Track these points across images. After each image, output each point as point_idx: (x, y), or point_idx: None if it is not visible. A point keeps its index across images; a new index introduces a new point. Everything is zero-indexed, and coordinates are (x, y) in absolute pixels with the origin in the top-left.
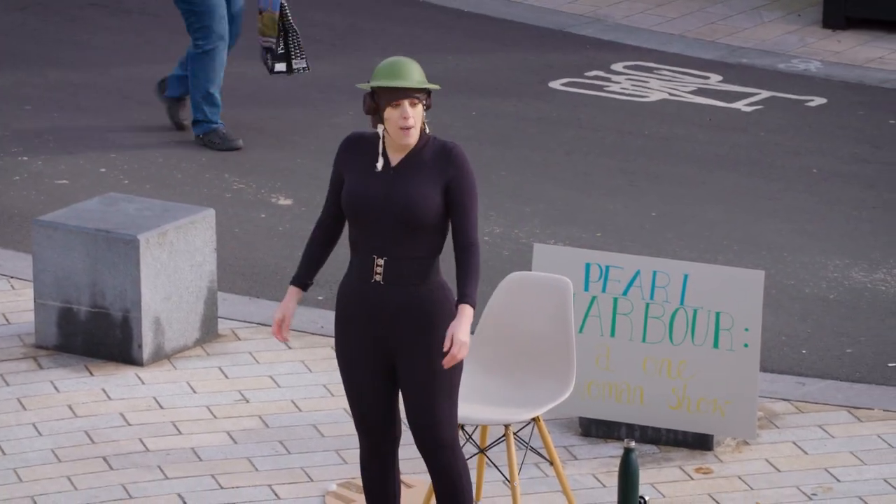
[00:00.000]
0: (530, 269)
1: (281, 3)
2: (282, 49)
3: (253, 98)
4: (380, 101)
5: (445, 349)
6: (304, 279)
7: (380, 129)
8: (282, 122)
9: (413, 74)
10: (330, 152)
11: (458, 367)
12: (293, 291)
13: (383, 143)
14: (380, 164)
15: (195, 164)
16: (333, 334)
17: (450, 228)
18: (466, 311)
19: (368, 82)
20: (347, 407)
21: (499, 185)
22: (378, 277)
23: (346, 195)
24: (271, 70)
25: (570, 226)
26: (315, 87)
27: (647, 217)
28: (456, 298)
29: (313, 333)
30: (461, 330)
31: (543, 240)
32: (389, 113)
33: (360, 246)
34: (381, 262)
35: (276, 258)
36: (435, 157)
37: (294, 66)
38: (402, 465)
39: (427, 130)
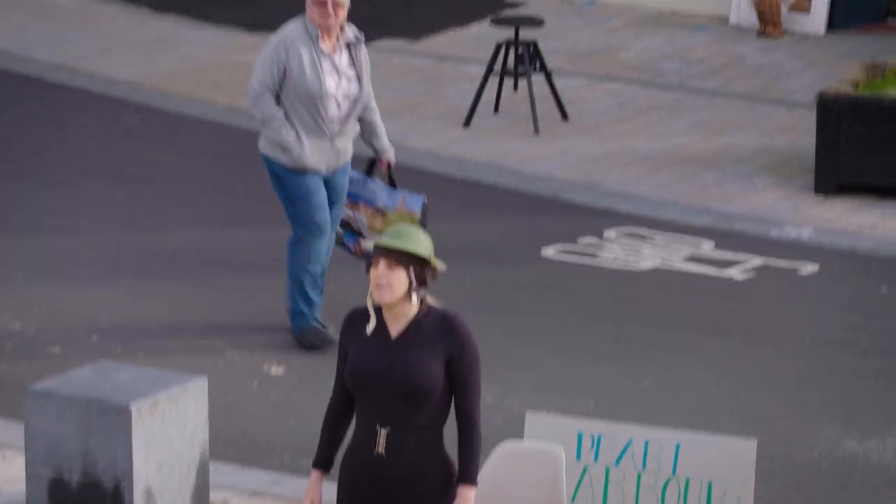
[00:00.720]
0: (522, 438)
1: (424, 202)
2: None
3: (245, 267)
4: (377, 264)
5: None
6: (325, 460)
7: (375, 293)
8: (274, 290)
9: (407, 239)
10: (324, 320)
11: None
12: (317, 475)
13: (379, 311)
14: (370, 328)
15: (187, 332)
16: (308, 496)
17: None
18: (466, 494)
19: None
20: None
21: (491, 353)
22: (381, 449)
23: (348, 367)
24: (357, 252)
25: (562, 394)
26: None
27: (640, 385)
28: (456, 477)
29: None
30: None
31: (536, 408)
32: (371, 273)
33: (364, 417)
34: (383, 433)
35: (268, 427)
36: (436, 328)
37: None
38: None
39: (425, 300)
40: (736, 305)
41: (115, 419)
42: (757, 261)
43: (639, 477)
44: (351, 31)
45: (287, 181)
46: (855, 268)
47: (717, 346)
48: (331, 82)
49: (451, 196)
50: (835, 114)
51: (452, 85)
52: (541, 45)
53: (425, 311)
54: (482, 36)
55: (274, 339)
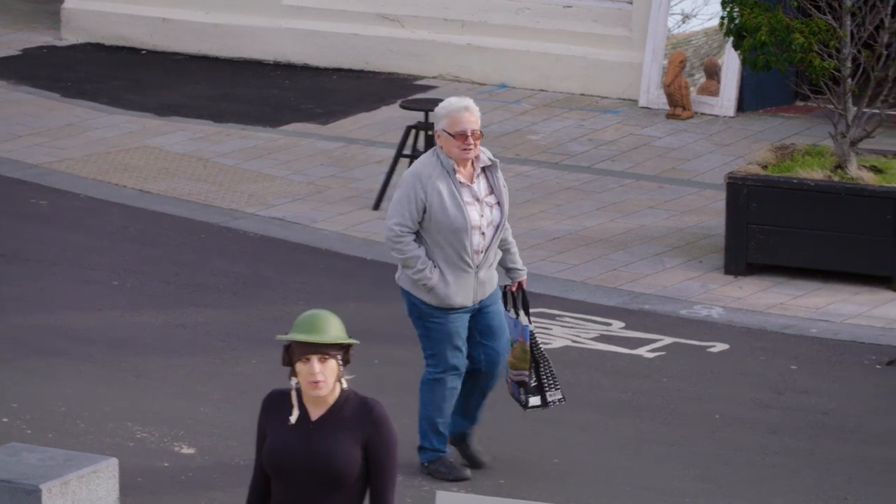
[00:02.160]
0: None
1: (531, 332)
2: (534, 381)
3: (156, 346)
4: (293, 354)
5: None
6: None
7: (293, 381)
8: (184, 370)
9: (328, 329)
10: (232, 401)
11: None
12: None
13: (299, 396)
14: (293, 417)
15: (97, 413)
16: None
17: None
18: None
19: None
20: None
21: (401, 434)
22: None
23: (266, 450)
24: (525, 405)
25: (473, 473)
26: (217, 335)
27: (550, 463)
28: None
29: None
30: None
31: (446, 487)
32: (300, 367)
33: (280, 500)
34: None
35: None
36: (354, 413)
37: (549, 399)
38: None
39: (345, 386)
40: (646, 384)
41: (26, 500)
42: (667, 340)
43: None
44: (485, 156)
45: (428, 319)
46: (764, 346)
47: (626, 425)
48: (474, 213)
49: (359, 277)
50: (744, 194)
51: (361, 168)
52: None
53: (346, 396)
54: (391, 119)
55: (184, 419)
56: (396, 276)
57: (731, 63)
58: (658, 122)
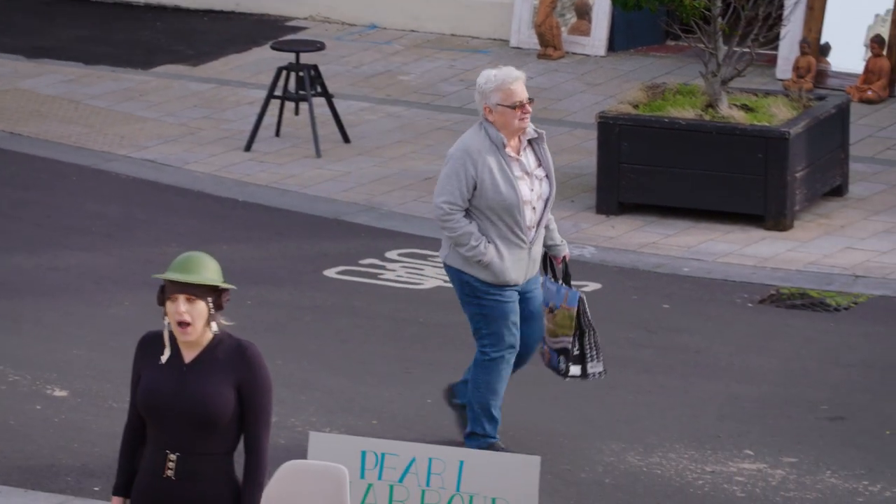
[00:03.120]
0: (306, 458)
1: (580, 298)
2: (577, 350)
3: (29, 288)
4: (165, 294)
5: None
6: (124, 486)
7: (165, 321)
8: (58, 313)
9: (201, 271)
10: (105, 343)
11: None
12: (117, 501)
13: (172, 337)
14: (164, 356)
15: None
16: None
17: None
18: None
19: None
20: None
21: (275, 374)
22: (170, 473)
23: (140, 392)
24: (565, 374)
25: (346, 414)
26: (89, 277)
27: (423, 404)
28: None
29: None
30: None
31: (319, 428)
32: (169, 306)
33: (153, 441)
34: (173, 457)
35: (51, 449)
36: (229, 355)
37: (589, 371)
38: None
39: (215, 328)
40: None
41: None
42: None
43: (423, 494)
44: (531, 128)
45: (484, 296)
46: (637, 285)
47: None
48: (524, 188)
49: (232, 219)
50: (615, 134)
51: (233, 109)
52: (322, 69)
53: (220, 338)
54: (263, 61)
55: (56, 362)
56: (443, 255)
57: (601, 3)
58: (529, 62)
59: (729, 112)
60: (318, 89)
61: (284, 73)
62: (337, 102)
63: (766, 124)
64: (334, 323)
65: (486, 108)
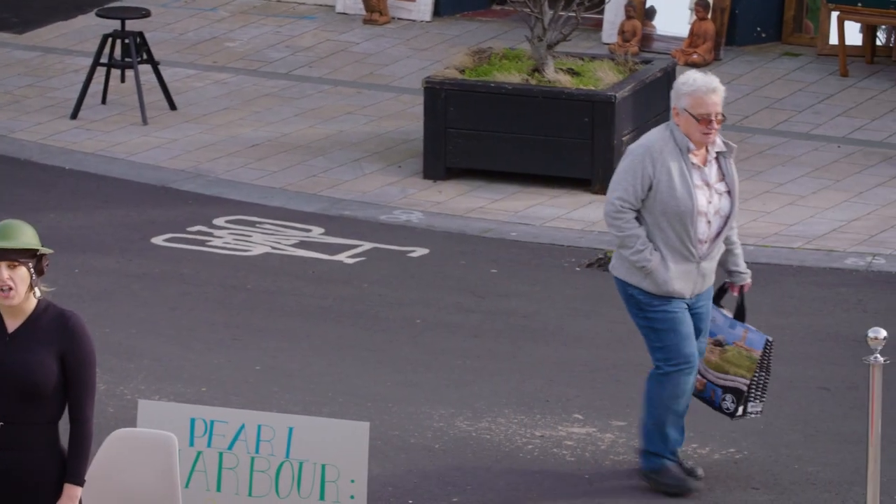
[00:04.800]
0: (135, 426)
1: (767, 341)
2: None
3: None
4: None
5: None
6: None
7: None
8: None
9: (19, 236)
10: None
11: None
12: None
13: None
14: None
15: None
16: None
17: None
18: (70, 492)
19: None
20: None
21: (102, 343)
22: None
23: None
24: (731, 414)
25: (174, 381)
26: None
27: (252, 371)
28: (65, 476)
29: None
30: None
31: (148, 396)
32: None
33: None
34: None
35: None
36: (52, 324)
37: (749, 410)
38: None
39: (38, 294)
40: (347, 290)
41: None
42: (367, 245)
43: (252, 461)
44: (720, 140)
45: (649, 308)
46: (465, 250)
47: (328, 331)
48: (702, 198)
49: (58, 187)
50: (442, 99)
51: (59, 77)
52: (147, 36)
53: (44, 307)
54: (88, 28)
55: None
56: (611, 265)
57: None
58: (355, 28)
59: (555, 76)
60: (144, 56)
61: (110, 40)
62: (163, 69)
63: (593, 88)
64: (162, 290)
65: (675, 109)
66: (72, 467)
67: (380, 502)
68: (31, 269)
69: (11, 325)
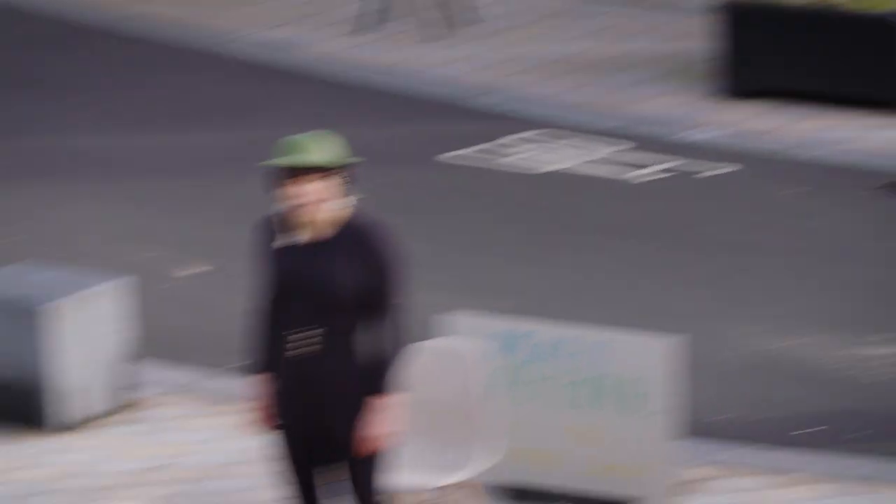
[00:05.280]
0: (443, 339)
1: None
2: None
3: (162, 168)
4: (281, 177)
5: (361, 449)
6: (264, 363)
7: (283, 204)
8: (191, 190)
9: (314, 150)
10: (234, 221)
11: (389, 443)
12: (259, 378)
13: (293, 218)
14: (287, 239)
15: (105, 234)
16: (260, 399)
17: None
18: (381, 402)
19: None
20: (268, 472)
21: (406, 255)
22: (302, 350)
23: (270, 273)
24: None
25: (481, 294)
26: (220, 156)
27: (558, 285)
28: (373, 386)
29: (230, 399)
30: (373, 425)
31: (453, 309)
32: (285, 190)
33: (286, 320)
34: (307, 335)
35: (189, 325)
36: (357, 235)
37: None
38: None
39: (340, 205)
40: (644, 207)
41: (37, 318)
42: (662, 164)
43: (560, 375)
44: None
45: None
46: (760, 169)
47: (629, 249)
48: None
49: (346, 102)
50: (737, 19)
51: None
52: None
53: (348, 218)
54: None
55: (193, 239)
56: None
57: None
58: None
59: None
60: None
61: None
62: None
63: (894, 9)
64: (458, 205)
65: None
66: (380, 378)
67: (689, 417)
68: (336, 182)
69: (314, 236)
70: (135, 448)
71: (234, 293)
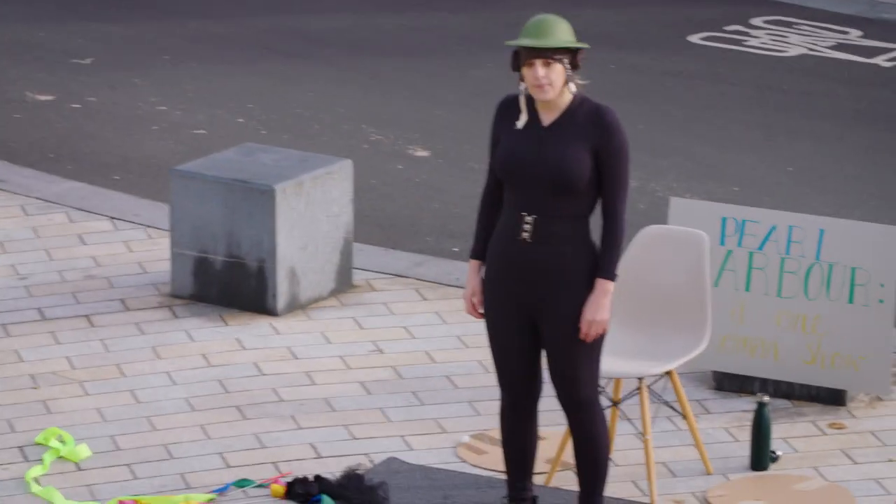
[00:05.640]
0: (666, 223)
1: None
2: None
3: (391, 49)
4: (520, 59)
5: (581, 332)
6: (482, 250)
7: (521, 87)
8: (420, 73)
9: (554, 33)
10: (467, 104)
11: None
12: (475, 264)
13: (528, 101)
14: (521, 122)
15: (333, 115)
16: (469, 286)
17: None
18: (603, 287)
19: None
20: (481, 358)
21: (636, 139)
22: (525, 235)
23: (499, 155)
24: None
25: (706, 180)
26: (454, 38)
27: (785, 172)
28: (596, 271)
29: (447, 285)
30: (594, 310)
31: (679, 194)
32: (525, 72)
33: (510, 204)
34: (529, 220)
35: (412, 210)
36: (587, 119)
37: None
38: (540, 417)
39: (574, 89)
40: (883, 93)
41: (260, 200)
42: None
43: (782, 262)
44: None
45: None
46: None
47: (862, 134)
48: None
49: None
50: None
51: None
52: None
53: (578, 102)
54: None
55: (419, 121)
56: None
57: None
58: None
59: None
60: None
61: None
62: None
63: None
64: (697, 89)
65: None
66: (604, 262)
67: None
68: (567, 65)
69: (546, 119)
70: (347, 333)
71: (462, 178)
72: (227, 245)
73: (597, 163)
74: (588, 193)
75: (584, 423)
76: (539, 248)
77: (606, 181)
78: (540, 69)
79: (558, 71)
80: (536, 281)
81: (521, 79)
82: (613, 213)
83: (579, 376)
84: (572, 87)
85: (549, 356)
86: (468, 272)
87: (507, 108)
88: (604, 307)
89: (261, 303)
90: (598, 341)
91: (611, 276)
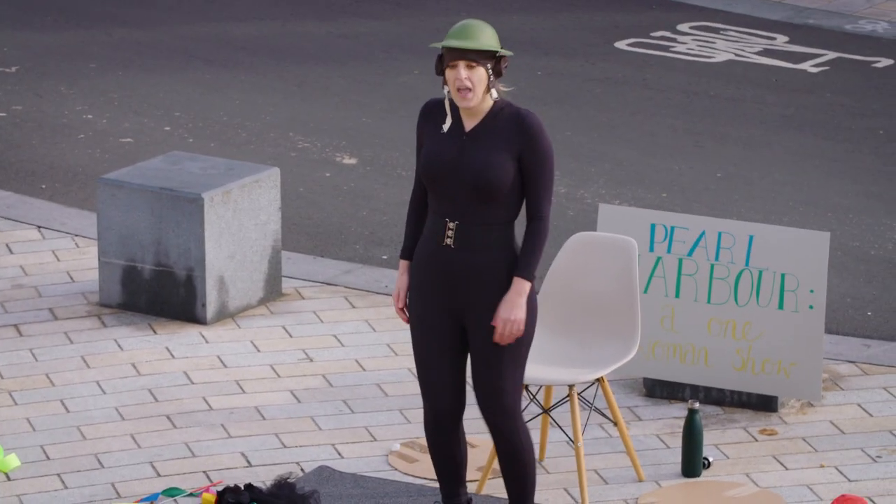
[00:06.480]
0: (595, 230)
1: None
2: None
3: (317, 56)
4: (444, 62)
5: (497, 331)
6: (411, 251)
7: (445, 90)
8: (346, 80)
9: (479, 37)
10: (394, 111)
11: (526, 336)
12: (404, 265)
13: (451, 105)
14: (446, 126)
15: (259, 123)
16: (397, 286)
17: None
18: (519, 286)
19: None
20: (411, 366)
21: (564, 146)
22: (449, 241)
23: (422, 160)
24: None
25: (635, 186)
26: (380, 46)
27: (713, 178)
28: (515, 272)
29: (376, 293)
30: (509, 308)
31: (608, 200)
32: (448, 74)
33: (434, 209)
34: (452, 225)
35: (340, 217)
36: (509, 124)
37: None
38: (469, 426)
39: (495, 95)
40: (810, 99)
41: (188, 209)
42: (831, 55)
43: (712, 268)
44: None
45: None
46: None
47: (790, 140)
48: None
49: None
50: None
51: None
52: None
53: (500, 107)
54: None
55: (346, 129)
56: None
57: None
58: None
59: None
60: None
61: None
62: None
63: None
64: (625, 95)
65: None
66: (522, 262)
67: (838, 313)
68: (490, 70)
69: (469, 124)
70: (277, 341)
71: (390, 185)
72: (155, 254)
73: (520, 168)
74: (511, 199)
75: (506, 434)
76: (462, 255)
77: (531, 185)
78: (463, 70)
79: (481, 75)
80: (460, 287)
81: (445, 82)
82: (538, 216)
83: (502, 386)
84: (494, 93)
85: (472, 364)
86: (398, 272)
87: (431, 112)
88: (519, 306)
89: (190, 311)
90: (523, 350)
91: (528, 276)
